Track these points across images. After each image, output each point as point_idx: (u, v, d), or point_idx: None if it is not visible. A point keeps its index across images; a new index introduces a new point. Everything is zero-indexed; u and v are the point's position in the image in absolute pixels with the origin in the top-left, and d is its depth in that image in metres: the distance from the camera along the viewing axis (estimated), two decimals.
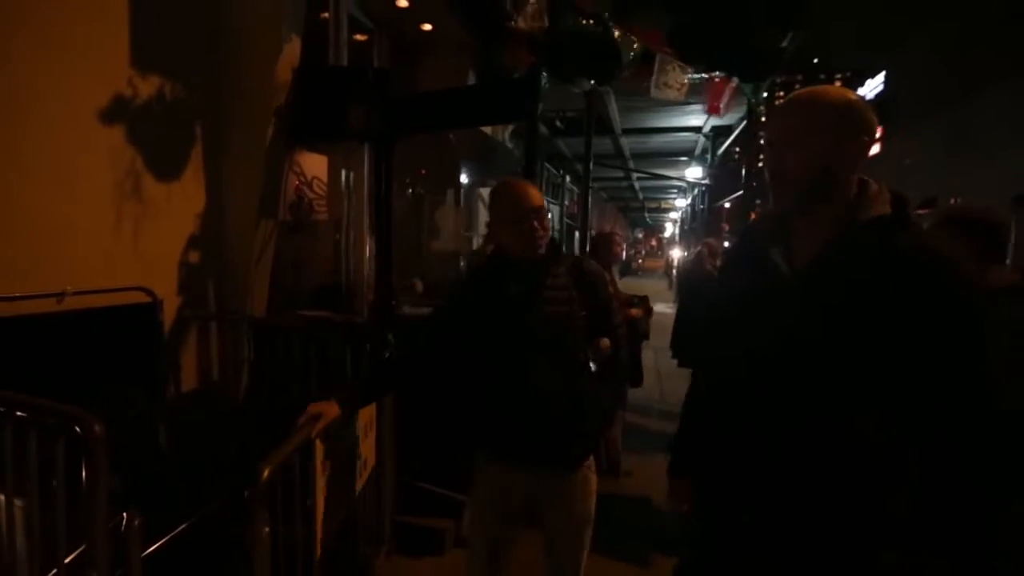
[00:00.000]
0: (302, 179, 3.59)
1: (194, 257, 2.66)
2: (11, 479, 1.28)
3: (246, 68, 2.68)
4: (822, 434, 1.01)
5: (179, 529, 2.26)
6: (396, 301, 3.11)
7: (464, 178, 4.59)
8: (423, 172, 4.67)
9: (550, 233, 1.55)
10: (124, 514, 1.18)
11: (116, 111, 2.24)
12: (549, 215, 1.59)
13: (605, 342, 1.47)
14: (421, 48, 4.66)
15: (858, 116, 1.02)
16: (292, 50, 2.76)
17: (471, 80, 4.66)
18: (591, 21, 3.24)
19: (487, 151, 4.32)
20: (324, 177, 3.64)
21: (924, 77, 26.45)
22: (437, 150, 4.16)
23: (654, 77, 3.52)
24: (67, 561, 1.27)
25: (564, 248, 1.65)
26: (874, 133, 1.03)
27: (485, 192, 5.68)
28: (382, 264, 2.82)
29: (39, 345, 1.90)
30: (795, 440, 1.03)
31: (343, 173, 3.42)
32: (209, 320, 2.73)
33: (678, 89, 3.58)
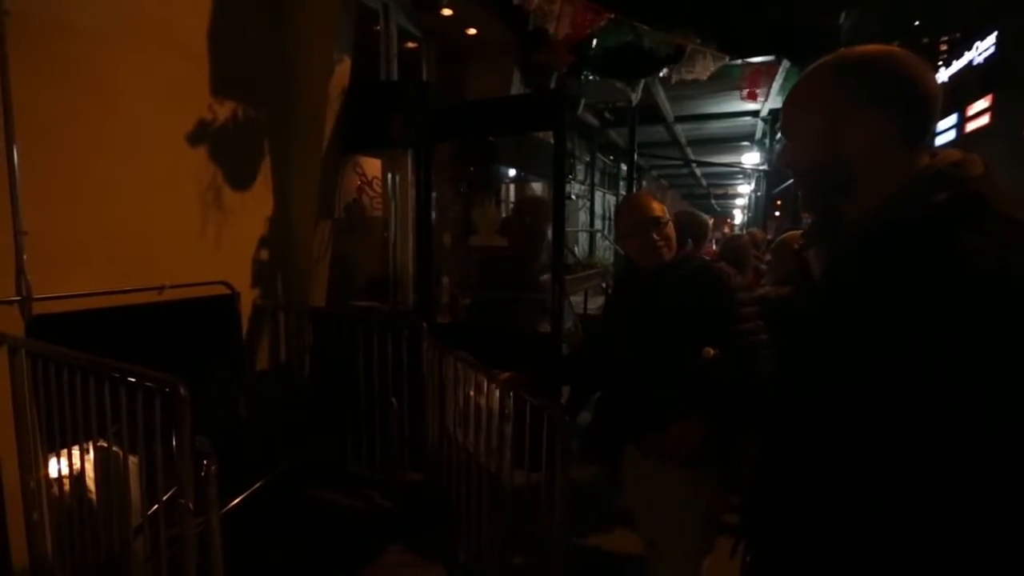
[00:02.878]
0: (363, 179, 3.98)
1: (264, 255, 3.08)
2: (125, 434, 1.67)
3: (304, 89, 3.05)
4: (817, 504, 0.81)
5: (255, 487, 2.68)
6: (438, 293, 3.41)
7: (508, 174, 4.82)
8: (471, 170, 4.93)
9: (673, 242, 1.56)
10: (205, 461, 1.52)
11: (199, 134, 2.66)
12: (666, 223, 1.56)
13: (709, 351, 1.38)
14: (468, 52, 4.92)
15: (871, 77, 0.77)
16: (343, 70, 3.10)
17: (515, 79, 4.87)
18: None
19: (529, 147, 4.50)
20: (380, 177, 4.02)
21: None
22: (481, 150, 4.41)
23: (679, 66, 3.56)
24: (164, 498, 1.63)
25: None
26: (914, 94, 0.77)
27: (538, 187, 5.87)
28: (423, 259, 3.11)
29: (144, 329, 2.34)
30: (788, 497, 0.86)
31: (390, 176, 3.76)
32: (278, 310, 3.15)
33: (697, 72, 3.58)
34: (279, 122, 3.07)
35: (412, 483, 2.78)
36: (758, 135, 8.29)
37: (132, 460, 1.69)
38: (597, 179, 9.41)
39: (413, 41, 4.48)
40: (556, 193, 2.60)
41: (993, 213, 0.69)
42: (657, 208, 1.57)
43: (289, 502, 2.74)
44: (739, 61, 3.88)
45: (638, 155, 6.08)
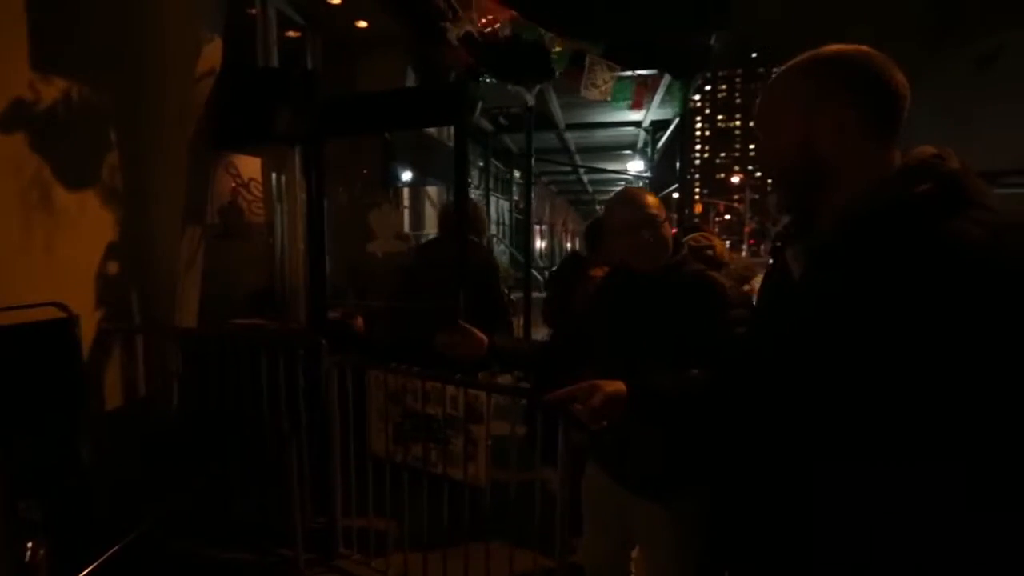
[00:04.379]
0: (238, 180, 3.49)
1: (113, 269, 2.55)
2: None
3: (162, 69, 2.57)
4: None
5: (110, 552, 2.19)
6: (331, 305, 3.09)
7: (405, 177, 4.57)
8: (364, 172, 4.61)
9: (667, 242, 1.42)
10: (30, 543, 1.15)
11: (16, 118, 2.12)
12: (662, 222, 1.42)
13: (694, 372, 1.26)
14: (358, 47, 4.60)
15: (844, 75, 0.79)
16: (212, 50, 2.67)
17: (410, 79, 4.65)
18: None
19: (426, 150, 4.32)
20: (260, 179, 3.56)
21: None
22: (374, 150, 4.13)
23: (584, 78, 3.63)
24: None
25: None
26: (886, 91, 0.78)
27: (432, 191, 5.67)
28: (315, 269, 2.78)
29: None
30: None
31: (274, 176, 3.35)
32: (134, 334, 2.62)
33: (602, 90, 3.71)
34: (131, 108, 2.56)
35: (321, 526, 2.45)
36: (640, 144, 8.86)
37: None
38: (491, 184, 9.42)
39: (296, 30, 4.07)
40: (459, 193, 2.45)
41: (975, 202, 0.72)
42: (653, 205, 1.43)
43: (158, 563, 2.27)
44: (630, 73, 4.06)
45: (531, 161, 6.15)
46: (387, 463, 2.13)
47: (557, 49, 3.22)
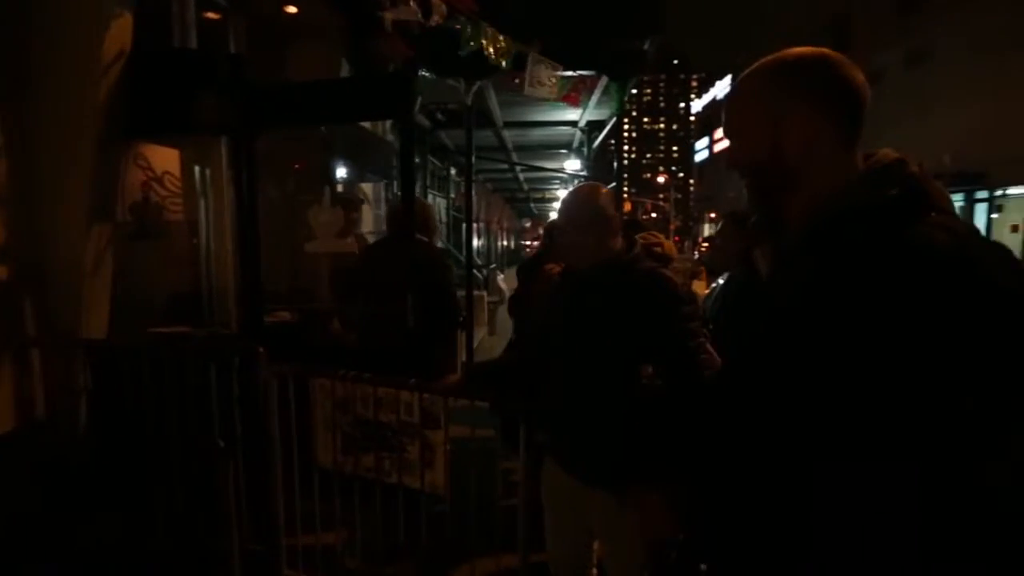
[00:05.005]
0: (150, 174, 3.16)
1: (2, 274, 2.22)
2: None
3: (60, 48, 2.26)
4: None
5: None
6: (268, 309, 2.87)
7: (341, 173, 4.35)
8: (296, 167, 4.35)
9: (610, 241, 1.41)
10: None
11: None
12: (618, 220, 1.43)
13: (648, 370, 1.29)
14: (287, 33, 4.31)
15: (810, 79, 0.79)
16: (121, 28, 2.38)
17: (344, 71, 4.42)
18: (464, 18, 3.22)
19: (365, 145, 4.13)
20: (177, 172, 3.24)
21: None
22: (308, 144, 3.89)
23: (527, 75, 3.61)
24: None
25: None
26: (850, 95, 0.79)
27: (368, 188, 5.44)
28: (248, 270, 2.57)
29: None
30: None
31: (196, 170, 3.06)
32: (28, 347, 2.30)
33: (549, 87, 3.71)
34: (19, 89, 2.24)
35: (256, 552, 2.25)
36: (576, 143, 9.03)
37: None
38: (428, 182, 9.23)
39: (216, 11, 3.74)
40: (406, 190, 2.35)
41: (937, 207, 0.74)
42: (606, 203, 1.42)
43: None
44: (571, 73, 4.09)
45: (471, 159, 6.08)
46: (336, 475, 1.99)
47: (500, 45, 3.16)
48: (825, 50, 0.81)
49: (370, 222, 5.24)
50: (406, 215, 2.41)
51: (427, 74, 4.62)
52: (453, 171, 10.72)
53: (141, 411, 2.21)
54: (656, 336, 1.34)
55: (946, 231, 0.69)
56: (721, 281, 2.37)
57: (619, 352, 1.34)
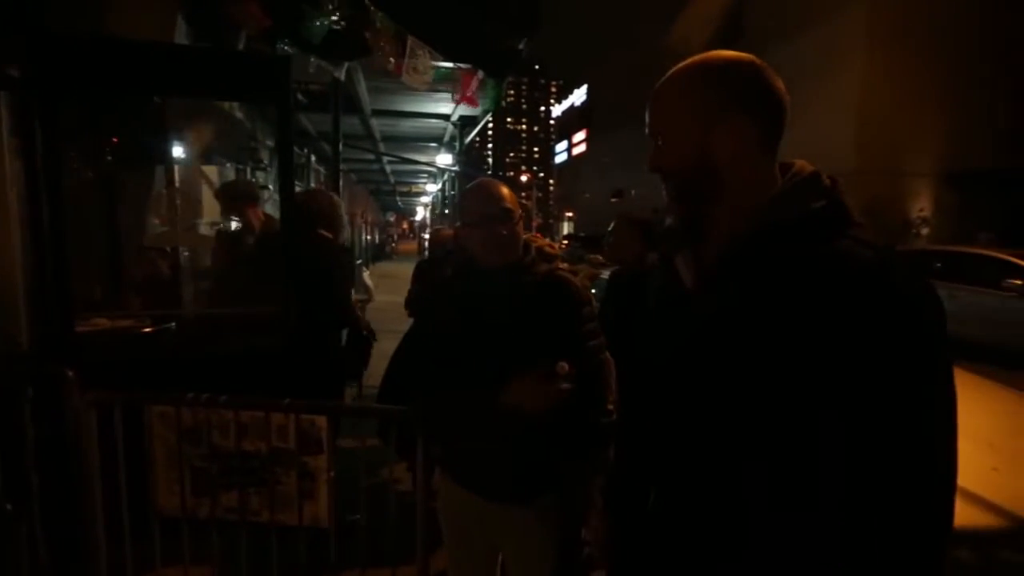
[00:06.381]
0: None
1: None
2: None
3: None
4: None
5: None
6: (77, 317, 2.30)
7: (178, 152, 3.69)
8: (114, 140, 3.60)
9: (520, 239, 1.38)
10: None
11: None
12: (517, 218, 1.37)
13: (563, 366, 1.25)
14: None
15: (738, 83, 0.79)
16: None
17: (179, 34, 3.75)
18: None
19: (209, 121, 3.55)
20: None
21: (614, 90, 33.01)
22: (133, 113, 3.23)
23: (405, 61, 3.40)
24: None
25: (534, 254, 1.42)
26: (773, 101, 0.79)
27: (211, 172, 4.72)
28: (57, 266, 2.03)
29: None
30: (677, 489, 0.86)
31: None
32: None
33: (424, 78, 3.55)
34: None
35: None
36: (447, 138, 8.87)
37: None
38: None
39: None
40: (283, 181, 2.05)
41: (854, 222, 0.77)
42: (508, 198, 1.37)
43: None
44: (451, 65, 3.96)
45: (339, 146, 5.65)
46: (185, 521, 1.64)
47: (377, 26, 2.92)
48: (750, 56, 0.81)
49: (214, 210, 4.55)
50: (282, 206, 2.08)
51: (287, 48, 4.14)
52: (313, 158, 9.88)
53: None
54: (560, 338, 1.34)
55: (867, 248, 0.72)
56: (604, 277, 2.48)
57: (524, 355, 1.31)
